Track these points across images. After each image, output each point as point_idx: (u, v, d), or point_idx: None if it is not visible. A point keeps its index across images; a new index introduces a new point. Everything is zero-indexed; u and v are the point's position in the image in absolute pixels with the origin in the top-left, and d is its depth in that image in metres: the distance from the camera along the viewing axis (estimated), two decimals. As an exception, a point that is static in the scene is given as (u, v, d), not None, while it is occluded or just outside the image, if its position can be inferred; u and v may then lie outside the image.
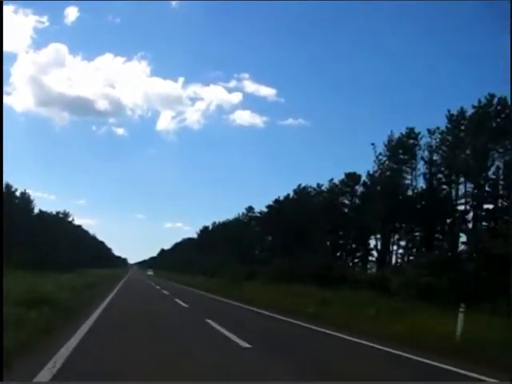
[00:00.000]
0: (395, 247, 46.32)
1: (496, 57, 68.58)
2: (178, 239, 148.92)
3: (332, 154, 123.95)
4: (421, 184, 40.28)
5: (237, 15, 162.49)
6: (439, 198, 38.18)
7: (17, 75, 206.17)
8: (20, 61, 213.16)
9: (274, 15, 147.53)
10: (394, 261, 46.10)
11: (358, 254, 54.14)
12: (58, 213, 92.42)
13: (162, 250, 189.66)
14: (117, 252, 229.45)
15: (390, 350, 10.06)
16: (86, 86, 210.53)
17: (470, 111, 35.59)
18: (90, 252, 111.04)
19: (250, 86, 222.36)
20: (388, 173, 40.82)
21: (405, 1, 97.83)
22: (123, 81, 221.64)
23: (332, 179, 54.15)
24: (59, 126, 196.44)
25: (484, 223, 36.04)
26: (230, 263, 58.41)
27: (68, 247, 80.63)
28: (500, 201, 34.42)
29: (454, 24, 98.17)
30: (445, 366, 8.46)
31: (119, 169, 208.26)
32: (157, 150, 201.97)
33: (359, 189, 51.10)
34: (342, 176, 52.96)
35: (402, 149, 40.51)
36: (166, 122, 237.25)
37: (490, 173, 34.53)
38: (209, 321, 13.98)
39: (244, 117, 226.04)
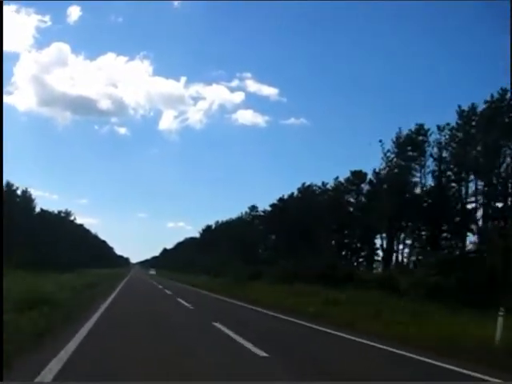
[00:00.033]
0: (401, 246, 45.76)
1: (496, 57, 68.15)
2: (181, 239, 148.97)
3: (334, 153, 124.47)
4: (429, 182, 39.63)
5: (238, 15, 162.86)
6: (447, 196, 37.41)
7: (19, 74, 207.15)
8: (22, 60, 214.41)
9: (275, 15, 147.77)
10: (399, 260, 45.49)
11: (362, 254, 53.49)
12: (59, 212, 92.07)
13: (165, 250, 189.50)
14: (119, 251, 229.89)
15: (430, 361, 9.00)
16: (89, 86, 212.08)
17: (480, 107, 34.95)
18: (91, 251, 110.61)
19: (253, 86, 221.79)
20: (396, 170, 40.03)
21: (405, 1, 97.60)
22: (125, 80, 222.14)
23: (337, 177, 53.61)
24: (61, 125, 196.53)
25: (492, 222, 35.27)
26: (233, 263, 57.81)
27: (69, 247, 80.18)
28: (510, 199, 33.67)
29: (454, 24, 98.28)
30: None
31: (121, 168, 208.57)
32: (159, 150, 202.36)
33: (365, 187, 50.43)
34: (347, 174, 52.51)
35: (410, 145, 39.68)
36: (168, 121, 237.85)
37: (500, 170, 33.75)
38: (214, 323, 13.31)
39: (246, 116, 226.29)
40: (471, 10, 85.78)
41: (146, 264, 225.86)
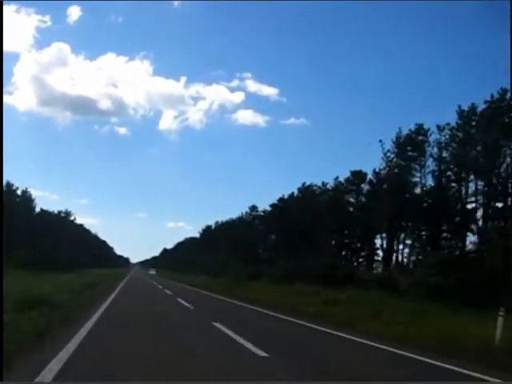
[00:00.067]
0: (401, 246, 45.73)
1: (496, 57, 68.17)
2: (181, 239, 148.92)
3: (333, 153, 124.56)
4: (430, 182, 39.55)
5: (238, 15, 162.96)
6: (447, 196, 37.36)
7: (19, 74, 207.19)
8: (22, 60, 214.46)
9: (275, 15, 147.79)
10: (399, 260, 45.45)
11: (362, 254, 53.46)
12: (59, 212, 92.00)
13: (165, 250, 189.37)
14: (119, 251, 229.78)
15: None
16: (89, 86, 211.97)
17: (480, 107, 34.87)
18: (91, 251, 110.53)
19: (253, 86, 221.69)
20: (396, 170, 39.96)
21: (405, 1, 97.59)
22: (125, 80, 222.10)
23: (337, 177, 53.56)
24: (61, 125, 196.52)
25: (492, 222, 35.21)
26: (233, 263, 57.73)
27: (69, 247, 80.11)
28: (510, 199, 33.62)
29: (454, 24, 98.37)
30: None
31: (121, 168, 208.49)
32: (159, 150, 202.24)
33: (365, 187, 50.38)
34: (347, 174, 52.46)
35: (410, 145, 39.59)
36: (168, 121, 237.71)
37: (500, 170, 33.68)
38: (214, 323, 13.24)
39: (246, 116, 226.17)
40: (471, 10, 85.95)
41: (145, 264, 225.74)
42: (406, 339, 11.23)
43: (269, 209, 66.18)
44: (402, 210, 38.57)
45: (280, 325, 14.61)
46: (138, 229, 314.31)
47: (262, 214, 70.29)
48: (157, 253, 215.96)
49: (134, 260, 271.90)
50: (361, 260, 53.63)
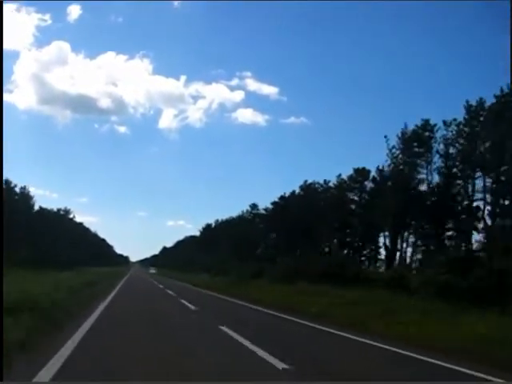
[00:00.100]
0: (404, 245, 45.15)
1: (496, 57, 67.73)
2: (181, 237, 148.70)
3: (334, 152, 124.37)
4: (436, 179, 38.94)
5: (238, 14, 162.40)
6: (453, 193, 36.76)
7: (19, 73, 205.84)
8: (22, 58, 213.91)
9: (275, 15, 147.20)
10: (403, 259, 44.89)
11: (364, 252, 52.86)
12: (58, 210, 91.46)
13: (164, 248, 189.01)
14: (118, 250, 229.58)
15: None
16: (89, 84, 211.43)
17: (489, 102, 34.16)
18: (91, 250, 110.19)
19: (252, 85, 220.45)
20: (401, 167, 39.31)
21: (405, 1, 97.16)
22: (125, 79, 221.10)
23: (340, 175, 52.96)
24: (61, 123, 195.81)
25: (500, 219, 34.59)
26: (234, 261, 57.25)
27: (68, 245, 79.78)
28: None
29: (454, 24, 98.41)
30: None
31: (121, 167, 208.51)
32: (159, 148, 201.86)
33: (368, 184, 49.72)
34: (348, 173, 51.92)
35: (417, 141, 38.88)
36: (168, 120, 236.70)
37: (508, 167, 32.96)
38: (220, 326, 12.19)
39: (246, 115, 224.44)
40: (471, 10, 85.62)
41: (145, 263, 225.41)
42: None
43: (270, 207, 65.69)
44: (407, 207, 37.98)
45: (292, 328, 13.69)
46: (138, 227, 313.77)
47: (263, 212, 69.76)
48: (157, 251, 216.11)
49: (133, 259, 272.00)
50: (363, 259, 53.02)
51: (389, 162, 41.30)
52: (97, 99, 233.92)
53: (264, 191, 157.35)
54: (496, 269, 23.85)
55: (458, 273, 23.47)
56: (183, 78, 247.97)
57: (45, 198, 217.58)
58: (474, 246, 34.76)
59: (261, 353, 8.27)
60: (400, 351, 9.42)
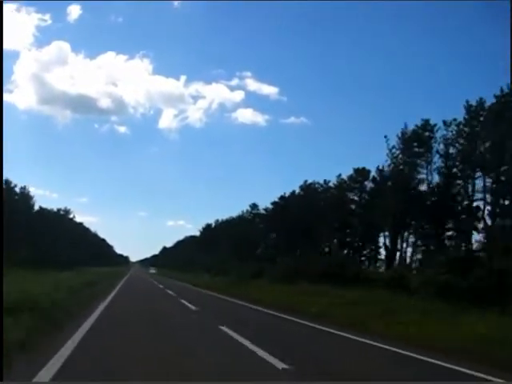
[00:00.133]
0: (404, 245, 45.10)
1: (496, 57, 67.73)
2: (180, 237, 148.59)
3: (334, 152, 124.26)
4: (436, 179, 38.85)
5: (238, 14, 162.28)
6: (453, 193, 36.71)
7: (19, 73, 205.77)
8: (22, 59, 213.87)
9: (275, 14, 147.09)
10: (403, 259, 44.85)
11: (364, 252, 52.80)
12: (58, 210, 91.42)
13: (164, 248, 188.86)
14: (118, 250, 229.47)
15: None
16: (89, 84, 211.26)
17: (489, 102, 34.08)
18: (91, 250, 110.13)
19: (252, 85, 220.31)
20: (401, 167, 39.24)
21: (405, 1, 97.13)
22: (125, 79, 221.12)
23: (340, 175, 52.90)
24: (61, 123, 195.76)
25: (500, 219, 34.54)
26: (234, 261, 57.19)
27: (68, 245, 79.70)
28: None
29: (455, 24, 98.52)
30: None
31: (121, 167, 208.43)
32: (159, 148, 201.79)
33: (368, 184, 49.67)
34: (349, 173, 51.85)
35: (417, 141, 38.79)
36: (168, 120, 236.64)
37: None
38: (220, 326, 12.05)
39: (246, 115, 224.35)
40: (472, 10, 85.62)
41: (145, 263, 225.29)
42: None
43: (270, 207, 65.65)
44: (407, 207, 37.93)
45: (295, 328, 13.51)
46: (138, 227, 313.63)
47: (264, 212, 69.70)
48: (157, 251, 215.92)
49: (133, 258, 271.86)
50: (363, 259, 52.98)
51: (389, 161, 41.34)
52: (97, 99, 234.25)
53: (264, 191, 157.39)
54: (496, 269, 23.87)
55: (458, 273, 23.44)
56: (183, 77, 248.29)
57: (45, 197, 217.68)
58: (474, 246, 34.82)
59: (261, 353, 8.23)
60: (400, 351, 9.39)
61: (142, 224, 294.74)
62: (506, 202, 34.17)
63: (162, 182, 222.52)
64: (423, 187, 39.45)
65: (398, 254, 45.46)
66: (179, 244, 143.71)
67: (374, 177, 48.06)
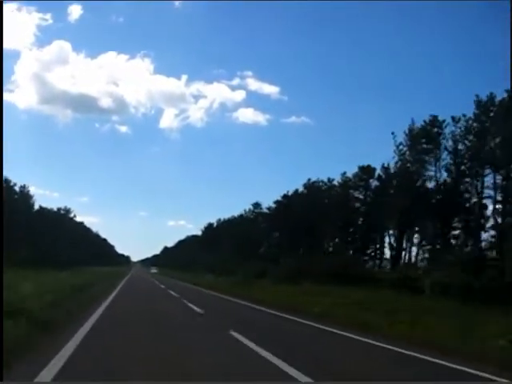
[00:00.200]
0: (408, 244, 44.44)
1: (498, 56, 67.12)
2: (182, 237, 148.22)
3: (335, 151, 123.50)
4: (444, 176, 38.10)
5: (239, 14, 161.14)
6: (461, 191, 35.98)
7: (20, 73, 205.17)
8: (23, 58, 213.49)
9: (276, 14, 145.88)
10: (408, 258, 44.25)
11: (368, 251, 52.09)
12: (59, 209, 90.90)
13: (165, 248, 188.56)
14: (119, 250, 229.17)
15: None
16: (89, 84, 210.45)
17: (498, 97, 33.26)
18: (92, 250, 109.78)
19: (254, 84, 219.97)
20: (408, 165, 38.48)
21: (408, 1, 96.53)
22: (126, 78, 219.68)
23: (345, 173, 52.19)
24: (62, 123, 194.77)
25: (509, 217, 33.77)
26: (236, 260, 56.61)
27: (69, 245, 79.22)
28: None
29: (458, 24, 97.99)
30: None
31: (122, 166, 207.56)
32: (160, 148, 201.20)
33: (373, 183, 48.94)
34: (350, 172, 51.20)
35: (425, 138, 37.98)
36: (169, 119, 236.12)
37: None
38: (232, 332, 10.81)
39: (247, 115, 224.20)
40: (474, 10, 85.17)
41: (146, 262, 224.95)
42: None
43: (273, 205, 65.05)
44: (413, 205, 37.22)
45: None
46: (139, 227, 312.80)
47: (267, 211, 69.09)
48: (158, 251, 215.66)
49: (134, 258, 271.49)
50: (366, 258, 52.28)
51: (396, 158, 40.57)
52: (98, 99, 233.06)
53: (265, 191, 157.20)
54: (509, 268, 23.31)
55: (470, 273, 22.91)
56: (184, 77, 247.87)
57: (46, 197, 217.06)
58: (483, 244, 34.16)
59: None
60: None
61: (142, 224, 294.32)
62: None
63: (163, 181, 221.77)
64: (430, 185, 38.72)
65: (403, 253, 44.88)
66: (180, 244, 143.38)
67: (379, 175, 47.36)
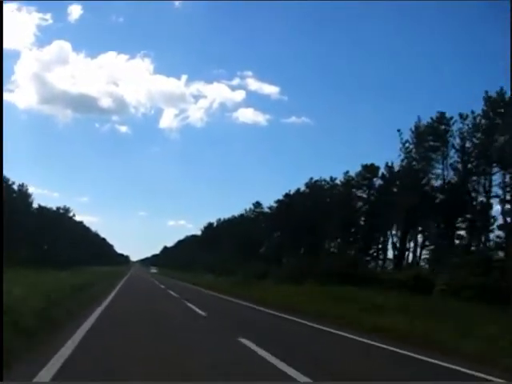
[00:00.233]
0: (412, 244, 43.91)
1: (498, 56, 66.67)
2: (181, 237, 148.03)
3: (336, 151, 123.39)
4: (451, 174, 37.41)
5: (239, 14, 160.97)
6: (468, 189, 35.40)
7: (20, 73, 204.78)
8: (23, 58, 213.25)
9: (276, 14, 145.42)
10: (411, 258, 43.73)
11: (371, 251, 51.53)
12: (58, 208, 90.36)
13: (165, 248, 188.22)
14: (119, 249, 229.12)
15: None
16: (89, 84, 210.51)
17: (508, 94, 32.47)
18: (91, 249, 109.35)
19: (253, 84, 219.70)
20: (415, 163, 37.86)
21: (408, 1, 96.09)
22: (126, 78, 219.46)
23: (348, 172, 51.54)
24: (62, 123, 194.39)
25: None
26: (236, 260, 56.17)
27: (68, 244, 78.87)
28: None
29: (458, 24, 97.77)
30: None
31: (122, 166, 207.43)
32: (160, 148, 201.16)
33: (377, 182, 48.33)
34: (355, 169, 50.58)
35: (432, 135, 37.25)
36: (169, 119, 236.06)
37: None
38: (240, 338, 9.89)
39: (247, 115, 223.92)
40: (474, 10, 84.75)
41: (146, 262, 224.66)
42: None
43: (274, 205, 64.52)
44: (418, 204, 36.64)
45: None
46: (139, 227, 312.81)
47: (268, 210, 68.57)
48: (157, 251, 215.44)
49: (134, 258, 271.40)
50: (368, 259, 51.72)
51: (402, 156, 39.94)
52: (98, 99, 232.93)
53: (265, 191, 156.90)
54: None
55: (477, 273, 22.44)
56: (184, 77, 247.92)
57: (45, 197, 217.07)
58: (490, 244, 33.63)
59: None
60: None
61: (142, 223, 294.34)
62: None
63: (162, 181, 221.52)
64: (437, 183, 38.11)
65: (406, 253, 44.33)
66: (180, 243, 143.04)
67: (383, 173, 46.78)
